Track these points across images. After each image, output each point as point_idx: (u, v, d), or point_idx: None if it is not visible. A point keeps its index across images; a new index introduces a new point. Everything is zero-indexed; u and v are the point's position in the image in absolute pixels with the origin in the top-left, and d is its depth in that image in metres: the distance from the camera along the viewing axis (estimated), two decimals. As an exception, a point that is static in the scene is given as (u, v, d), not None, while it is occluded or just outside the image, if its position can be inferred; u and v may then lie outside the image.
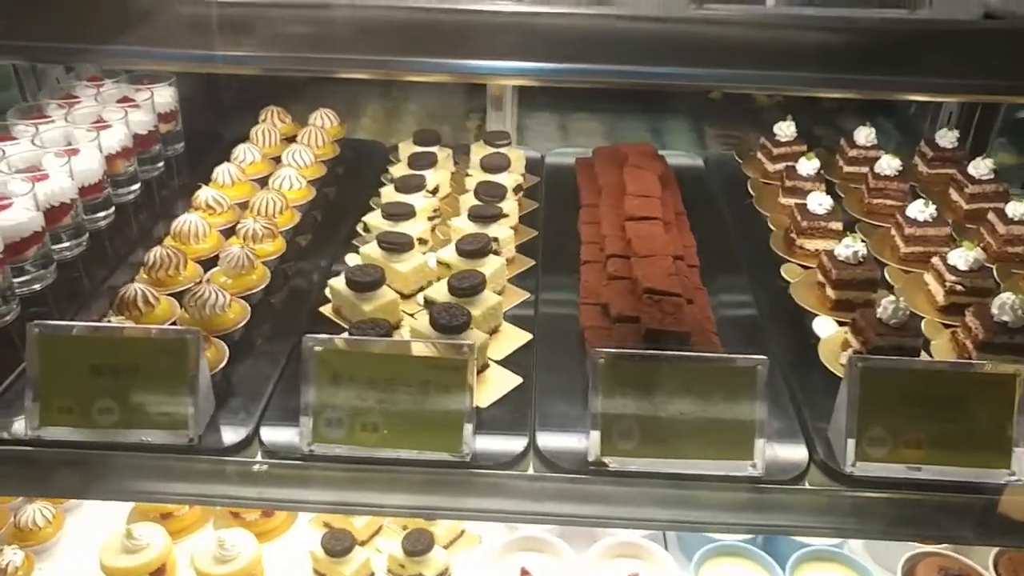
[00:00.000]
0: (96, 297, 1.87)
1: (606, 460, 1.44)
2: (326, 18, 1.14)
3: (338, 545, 2.24)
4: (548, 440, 1.51)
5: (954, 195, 2.28)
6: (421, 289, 1.90)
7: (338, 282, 1.82)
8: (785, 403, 1.61)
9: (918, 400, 1.43)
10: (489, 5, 1.13)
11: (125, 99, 2.24)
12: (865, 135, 2.43)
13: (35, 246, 1.81)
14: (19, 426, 1.49)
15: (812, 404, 1.59)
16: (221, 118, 2.71)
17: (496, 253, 1.94)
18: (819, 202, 2.06)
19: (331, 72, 1.25)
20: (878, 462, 1.43)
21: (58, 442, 1.47)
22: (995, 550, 2.28)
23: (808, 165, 2.26)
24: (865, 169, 2.34)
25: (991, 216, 2.10)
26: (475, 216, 2.02)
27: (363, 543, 2.38)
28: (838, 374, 1.63)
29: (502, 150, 2.32)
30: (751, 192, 2.37)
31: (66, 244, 1.94)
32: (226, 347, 1.65)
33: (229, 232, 2.00)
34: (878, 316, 1.65)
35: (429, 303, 1.77)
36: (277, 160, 2.30)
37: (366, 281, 1.77)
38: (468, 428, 1.44)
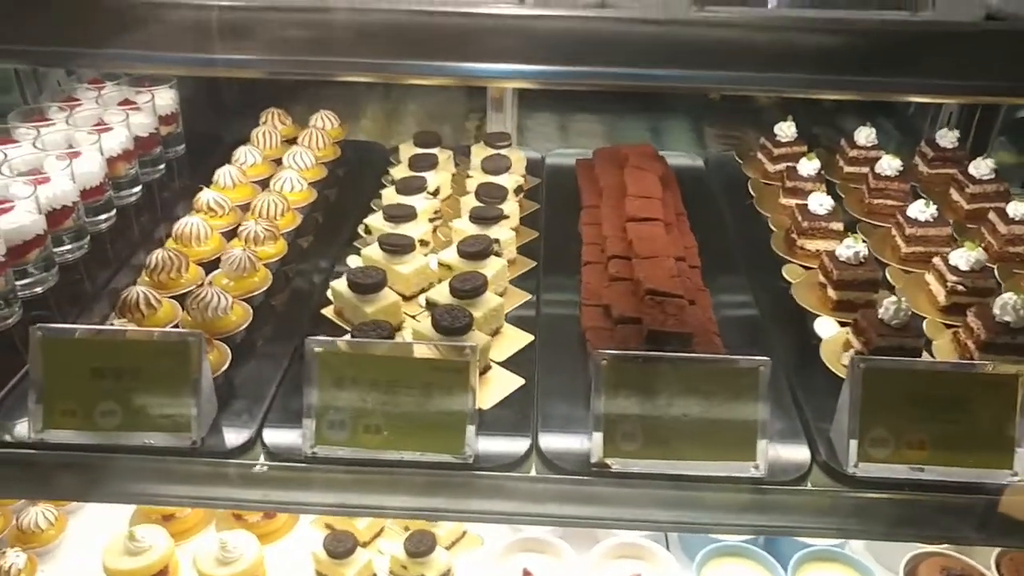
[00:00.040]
0: (98, 300, 1.87)
1: (608, 461, 1.44)
2: (326, 21, 1.14)
3: (340, 546, 2.24)
4: (550, 441, 1.51)
5: (955, 195, 2.28)
6: (423, 291, 1.90)
7: (340, 284, 1.82)
8: (787, 404, 1.61)
9: (920, 401, 1.43)
10: (489, 8, 1.13)
11: (126, 102, 2.24)
12: (865, 135, 2.43)
13: (37, 249, 1.81)
14: (22, 429, 1.50)
15: (814, 405, 1.59)
16: (222, 120, 2.71)
17: (497, 254, 1.95)
18: (820, 202, 2.06)
19: (331, 75, 1.25)
20: (880, 463, 1.43)
21: (61, 445, 1.48)
22: (997, 550, 2.29)
23: (809, 165, 2.26)
24: (866, 169, 2.34)
25: (992, 216, 2.10)
26: (476, 218, 2.02)
27: (365, 544, 2.38)
28: (840, 375, 1.63)
29: (503, 151, 2.32)
30: (752, 193, 2.37)
31: (68, 247, 1.95)
32: (228, 349, 1.66)
33: (231, 234, 2.00)
34: (880, 317, 1.65)
35: (431, 305, 1.77)
36: (278, 162, 2.30)
37: (368, 283, 1.77)
38: (470, 430, 1.44)
